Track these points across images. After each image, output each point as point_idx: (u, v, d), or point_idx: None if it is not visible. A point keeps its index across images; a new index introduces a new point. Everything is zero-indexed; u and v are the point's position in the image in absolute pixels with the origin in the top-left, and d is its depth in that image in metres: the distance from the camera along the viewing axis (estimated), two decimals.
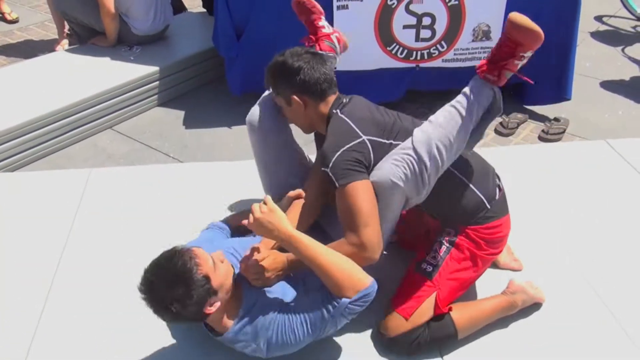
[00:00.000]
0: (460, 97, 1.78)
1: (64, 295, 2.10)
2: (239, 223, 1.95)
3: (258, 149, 2.18)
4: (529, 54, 1.70)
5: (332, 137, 1.81)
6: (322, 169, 1.77)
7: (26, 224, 2.46)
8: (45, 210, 2.55)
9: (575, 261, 2.23)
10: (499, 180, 2.02)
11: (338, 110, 1.88)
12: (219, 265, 1.62)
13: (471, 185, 1.91)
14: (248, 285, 1.75)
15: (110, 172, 2.89)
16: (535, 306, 2.03)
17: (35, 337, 1.93)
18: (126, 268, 2.20)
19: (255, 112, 2.13)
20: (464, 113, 1.75)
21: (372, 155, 1.79)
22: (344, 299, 1.58)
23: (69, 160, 3.15)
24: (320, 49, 2.23)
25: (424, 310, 1.84)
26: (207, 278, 1.56)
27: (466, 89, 1.78)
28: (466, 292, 2.02)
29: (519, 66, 1.73)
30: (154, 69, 3.62)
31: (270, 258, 1.73)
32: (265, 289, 1.75)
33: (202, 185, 2.71)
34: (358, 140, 1.78)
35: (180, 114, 3.60)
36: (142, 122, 3.52)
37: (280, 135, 2.14)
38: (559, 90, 3.46)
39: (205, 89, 3.89)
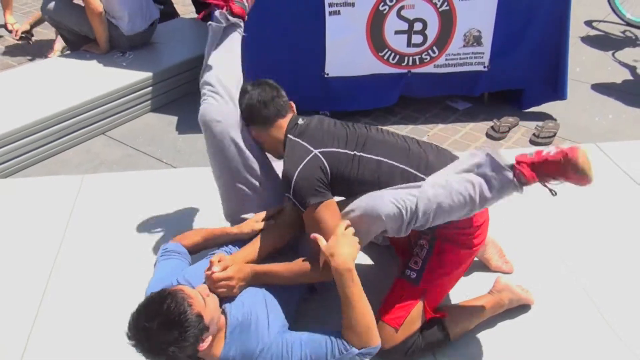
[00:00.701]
0: (480, 180, 1.65)
1: (57, 301, 2.10)
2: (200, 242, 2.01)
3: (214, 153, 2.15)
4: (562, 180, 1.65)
5: (287, 161, 1.86)
6: (286, 194, 1.82)
7: (19, 230, 2.46)
8: (38, 215, 2.55)
9: (566, 264, 2.25)
10: None
11: (291, 135, 1.92)
12: (207, 301, 1.62)
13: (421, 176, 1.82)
14: (226, 305, 1.73)
15: (104, 177, 2.89)
16: (525, 308, 2.05)
17: (29, 343, 1.93)
18: (120, 273, 2.21)
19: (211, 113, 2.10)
20: (477, 199, 1.65)
21: (328, 167, 1.81)
22: (353, 348, 1.61)
23: (63, 165, 3.15)
24: (234, 13, 2.16)
25: (414, 318, 1.83)
26: (200, 317, 1.55)
27: (494, 173, 1.64)
28: (455, 295, 2.04)
29: (548, 184, 1.69)
30: (146, 74, 3.63)
31: (235, 267, 1.74)
32: (243, 305, 1.73)
33: (195, 191, 2.72)
34: (310, 156, 1.82)
35: (173, 119, 3.61)
36: (135, 128, 3.52)
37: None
38: (555, 90, 3.50)
39: (198, 95, 3.85)
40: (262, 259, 1.87)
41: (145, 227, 2.46)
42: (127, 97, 3.53)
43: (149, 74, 3.64)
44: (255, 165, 2.04)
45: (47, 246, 2.36)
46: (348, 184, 1.83)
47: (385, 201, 1.68)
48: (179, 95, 3.84)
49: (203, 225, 2.36)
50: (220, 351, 1.65)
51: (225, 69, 2.12)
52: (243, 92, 2.04)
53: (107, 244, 2.37)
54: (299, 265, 1.80)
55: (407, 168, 1.82)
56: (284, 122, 1.98)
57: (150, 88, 3.66)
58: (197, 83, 3.86)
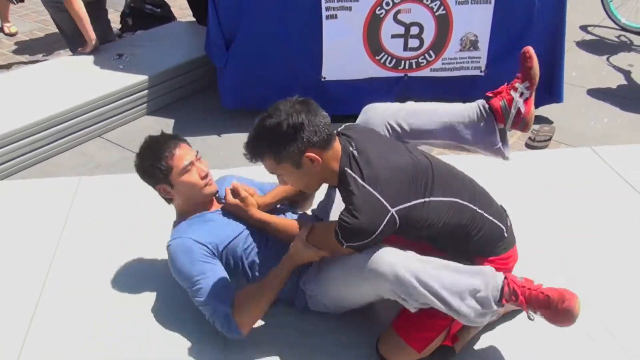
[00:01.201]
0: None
1: (54, 303, 2.09)
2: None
3: None
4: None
5: (362, 218, 1.60)
6: (339, 237, 1.64)
7: (16, 232, 2.45)
8: (34, 218, 2.54)
9: (561, 267, 2.26)
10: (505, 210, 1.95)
11: (356, 175, 1.65)
12: (191, 172, 1.91)
13: (487, 215, 1.80)
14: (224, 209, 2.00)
15: (100, 180, 2.88)
16: (519, 311, 2.04)
17: (25, 344, 1.92)
18: (116, 276, 2.20)
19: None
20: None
21: (398, 224, 1.64)
22: (227, 309, 1.78)
23: (58, 168, 3.14)
24: (490, 104, 1.96)
25: (435, 345, 1.78)
26: (168, 169, 1.88)
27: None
28: None
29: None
30: (143, 77, 3.63)
31: (253, 200, 1.95)
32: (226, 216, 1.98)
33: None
34: (388, 217, 1.61)
35: (170, 122, 3.60)
36: (131, 131, 3.52)
37: None
38: (551, 94, 3.51)
39: (194, 98, 3.90)
40: (286, 196, 2.07)
41: (142, 229, 2.45)
42: (123, 99, 3.53)
43: (146, 77, 3.63)
44: None
45: (44, 249, 2.34)
46: (413, 230, 1.72)
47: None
48: (175, 98, 3.84)
49: None
50: (180, 222, 1.97)
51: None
52: (290, 110, 1.64)
53: (104, 246, 2.36)
54: (290, 222, 1.95)
55: (476, 209, 1.78)
56: (337, 147, 1.70)
57: (147, 91, 3.65)
58: (193, 86, 3.90)
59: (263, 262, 1.93)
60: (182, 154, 1.91)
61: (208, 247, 1.86)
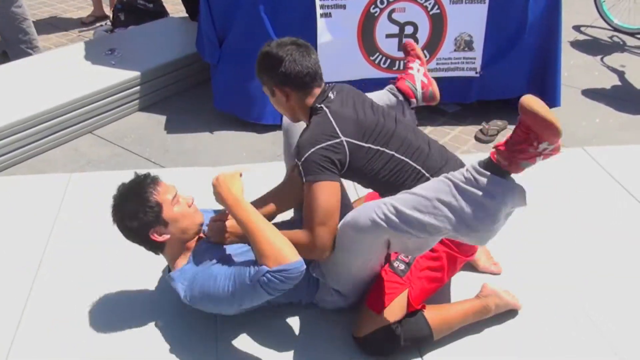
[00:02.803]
0: (465, 185, 1.59)
1: (43, 301, 2.07)
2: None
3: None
4: (546, 146, 1.51)
5: (311, 132, 1.81)
6: (295, 159, 1.80)
7: (5, 229, 2.43)
8: (24, 215, 2.52)
9: (553, 267, 2.27)
10: None
11: (323, 105, 1.86)
12: (180, 203, 1.82)
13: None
14: (206, 240, 1.89)
15: (91, 176, 2.87)
16: (512, 313, 2.05)
17: (14, 344, 1.90)
18: (106, 273, 2.19)
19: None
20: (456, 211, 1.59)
21: (348, 157, 1.80)
22: (263, 266, 1.61)
23: (49, 164, 3.12)
24: (398, 87, 2.26)
25: (396, 307, 1.84)
26: (159, 205, 1.76)
27: (473, 175, 1.58)
28: (441, 295, 2.04)
29: (537, 161, 1.56)
30: (135, 73, 3.60)
31: (234, 222, 1.84)
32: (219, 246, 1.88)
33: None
34: (336, 141, 1.79)
35: (162, 118, 3.59)
36: (123, 127, 3.50)
37: None
38: (548, 98, 3.52)
39: (186, 94, 3.89)
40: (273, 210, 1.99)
41: None
42: (115, 95, 3.50)
43: (138, 73, 3.61)
44: None
45: (33, 246, 2.33)
46: (362, 176, 1.87)
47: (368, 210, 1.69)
48: (167, 94, 3.82)
49: None
50: (182, 265, 1.84)
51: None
52: (283, 46, 1.87)
53: (94, 243, 2.34)
54: (289, 233, 1.77)
55: (421, 170, 1.87)
56: (317, 91, 1.91)
57: (139, 87, 3.63)
58: (185, 82, 3.88)
59: None
60: (165, 188, 1.82)
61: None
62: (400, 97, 2.25)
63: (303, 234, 1.75)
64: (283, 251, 1.62)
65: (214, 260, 1.80)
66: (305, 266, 1.64)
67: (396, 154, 1.87)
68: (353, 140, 1.81)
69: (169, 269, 1.91)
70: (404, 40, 2.33)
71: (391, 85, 2.29)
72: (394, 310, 1.84)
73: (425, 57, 3.36)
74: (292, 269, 1.60)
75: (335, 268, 1.87)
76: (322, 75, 1.94)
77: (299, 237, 1.74)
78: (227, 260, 1.81)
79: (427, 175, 1.87)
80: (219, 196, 1.78)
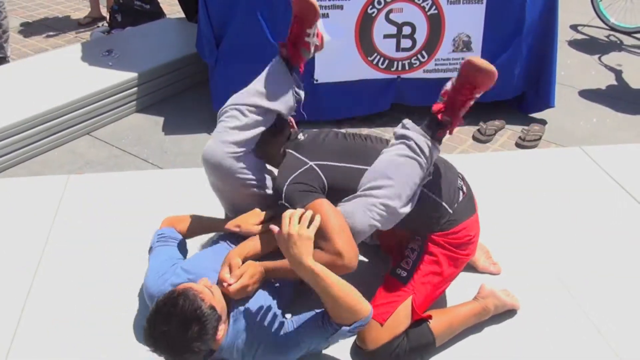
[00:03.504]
0: (406, 150, 1.81)
1: (41, 303, 2.07)
2: (220, 229, 2.00)
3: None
4: (480, 94, 1.80)
5: (281, 172, 1.87)
6: (279, 202, 1.81)
7: (3, 231, 2.43)
8: (22, 216, 2.52)
9: (552, 266, 2.27)
10: (463, 181, 2.02)
11: (288, 149, 1.93)
12: (213, 291, 1.68)
13: (432, 195, 1.91)
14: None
15: (89, 178, 2.86)
16: (511, 313, 2.05)
17: (13, 345, 1.90)
18: (105, 274, 2.19)
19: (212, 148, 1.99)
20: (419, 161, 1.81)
21: (324, 179, 1.83)
22: (343, 328, 1.61)
23: (46, 166, 3.11)
24: (290, 59, 2.09)
25: (401, 317, 1.83)
26: (213, 308, 1.61)
27: (410, 135, 1.81)
28: (442, 296, 2.04)
29: (468, 108, 1.82)
30: (132, 74, 3.60)
31: (249, 272, 1.75)
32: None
33: (182, 192, 2.70)
34: (305, 167, 1.83)
35: (160, 120, 3.58)
36: (120, 128, 3.49)
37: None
38: (544, 98, 3.53)
39: (184, 95, 3.88)
40: (264, 253, 1.86)
41: (131, 228, 2.44)
42: (112, 97, 3.49)
43: (135, 74, 3.60)
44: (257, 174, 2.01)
45: (31, 248, 2.32)
46: (346, 194, 1.83)
47: (358, 213, 1.75)
48: (165, 95, 3.82)
49: None
50: (223, 338, 1.68)
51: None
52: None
53: (92, 245, 2.34)
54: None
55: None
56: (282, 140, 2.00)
57: (136, 88, 3.62)
58: (183, 83, 3.88)
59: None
60: (204, 291, 1.65)
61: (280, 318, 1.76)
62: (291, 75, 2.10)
63: (325, 254, 1.69)
64: (356, 308, 1.62)
65: (262, 319, 1.73)
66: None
67: (356, 166, 1.89)
68: (324, 162, 1.86)
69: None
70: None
71: (277, 58, 2.12)
72: (399, 319, 1.82)
73: (424, 58, 3.38)
74: (367, 321, 1.66)
75: None
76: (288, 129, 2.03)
77: (325, 256, 1.69)
78: (274, 315, 1.75)
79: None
80: (291, 259, 1.60)
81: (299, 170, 1.83)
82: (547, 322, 2.02)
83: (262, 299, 1.79)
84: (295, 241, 1.57)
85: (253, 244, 1.86)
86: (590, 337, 1.97)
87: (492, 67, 1.74)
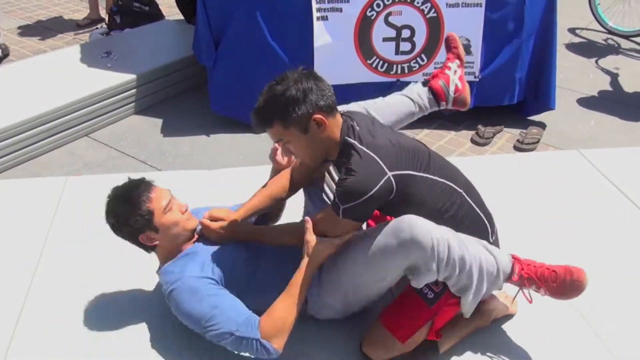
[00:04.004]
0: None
1: (40, 305, 2.07)
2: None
3: None
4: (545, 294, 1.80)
5: (358, 176, 1.64)
6: (335, 200, 1.68)
7: (1, 232, 2.42)
8: (20, 218, 2.51)
9: None
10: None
11: (356, 142, 1.71)
12: (173, 210, 1.83)
13: (475, 206, 1.84)
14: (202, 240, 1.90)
15: (87, 180, 2.86)
16: (508, 317, 2.05)
17: (10, 348, 1.90)
18: (103, 276, 2.19)
19: None
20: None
21: (395, 191, 1.67)
22: (258, 332, 1.66)
23: (45, 167, 3.11)
24: (431, 86, 2.21)
25: (419, 338, 1.79)
26: (150, 213, 1.78)
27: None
28: None
29: None
30: (131, 76, 3.60)
31: (224, 223, 1.86)
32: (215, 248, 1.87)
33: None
34: (384, 179, 1.64)
35: (158, 121, 3.58)
36: (119, 130, 3.49)
37: None
38: (543, 101, 3.53)
39: (183, 97, 3.88)
40: (262, 207, 1.96)
41: None
42: (111, 98, 3.50)
43: (134, 76, 3.61)
44: None
45: (30, 248, 2.32)
46: (404, 205, 1.73)
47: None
48: (164, 97, 3.82)
49: None
50: (167, 264, 1.85)
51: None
52: (296, 79, 1.68)
53: (90, 246, 2.34)
54: (287, 225, 1.91)
55: (466, 197, 1.82)
56: (339, 118, 1.76)
57: (135, 90, 3.63)
58: (182, 85, 3.88)
59: (271, 277, 1.86)
60: (159, 195, 1.82)
61: (212, 279, 1.76)
62: (426, 98, 2.21)
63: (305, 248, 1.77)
64: (283, 332, 1.69)
65: (206, 270, 1.78)
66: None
67: (439, 179, 1.77)
68: (399, 172, 1.68)
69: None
70: (447, 33, 2.26)
71: (418, 85, 2.24)
72: (417, 339, 1.78)
73: (423, 61, 3.38)
74: (270, 351, 1.67)
75: (338, 278, 1.80)
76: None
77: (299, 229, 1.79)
78: (218, 271, 1.80)
79: (467, 199, 1.82)
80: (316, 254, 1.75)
81: (380, 183, 1.64)
82: (545, 326, 2.02)
83: (225, 249, 1.86)
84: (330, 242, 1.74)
85: (251, 203, 1.96)
86: (589, 340, 1.97)
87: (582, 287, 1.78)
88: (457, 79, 2.21)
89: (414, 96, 2.21)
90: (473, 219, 1.84)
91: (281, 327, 1.68)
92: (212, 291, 1.73)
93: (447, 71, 2.22)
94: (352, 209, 1.66)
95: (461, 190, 1.81)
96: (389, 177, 1.65)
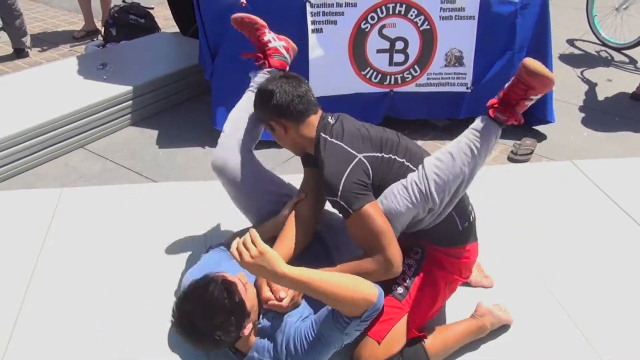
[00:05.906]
0: (471, 135, 1.82)
1: (34, 317, 2.06)
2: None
3: (231, 190, 2.13)
4: (538, 96, 1.78)
5: (331, 164, 1.79)
6: (331, 198, 1.77)
7: None
8: (15, 229, 2.51)
9: (543, 280, 2.28)
10: (471, 206, 2.03)
11: (327, 136, 1.85)
12: (247, 287, 1.67)
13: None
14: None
15: (82, 191, 2.86)
16: (505, 328, 2.06)
17: (7, 351, 1.90)
18: (97, 288, 2.19)
19: (217, 155, 2.10)
20: (475, 151, 1.79)
21: (371, 172, 1.80)
22: (354, 320, 1.58)
23: (40, 179, 3.11)
24: (271, 66, 2.21)
25: (397, 336, 1.81)
26: (243, 302, 1.61)
27: (477, 126, 1.82)
28: (437, 314, 2.04)
29: (527, 107, 1.80)
30: (126, 88, 3.61)
31: (290, 295, 1.75)
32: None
33: (176, 205, 2.71)
34: (355, 161, 1.79)
35: (154, 133, 3.59)
36: (114, 142, 3.49)
37: (249, 171, 2.08)
38: (542, 114, 3.56)
39: (178, 109, 3.89)
40: (296, 256, 1.89)
41: (124, 242, 2.44)
42: (107, 110, 3.50)
43: (129, 88, 3.62)
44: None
45: (25, 259, 2.32)
46: (383, 187, 1.84)
47: (397, 196, 1.77)
48: (159, 109, 3.83)
49: (184, 240, 2.36)
50: (254, 339, 1.70)
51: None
52: (272, 81, 1.92)
53: (85, 258, 2.34)
54: (356, 264, 1.76)
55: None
56: (315, 120, 1.91)
57: (131, 101, 3.63)
58: (177, 97, 3.89)
59: None
60: (238, 280, 1.67)
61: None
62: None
63: (375, 262, 1.74)
64: (362, 295, 1.56)
65: (290, 324, 1.70)
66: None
67: (406, 162, 1.87)
68: (369, 154, 1.82)
69: (233, 351, 1.76)
70: (235, 15, 2.24)
71: (261, 73, 2.22)
72: (396, 337, 1.81)
73: (416, 72, 3.41)
74: (378, 306, 1.60)
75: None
76: (317, 102, 1.94)
77: (371, 267, 1.73)
78: (299, 317, 1.74)
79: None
80: (265, 277, 1.61)
81: (352, 165, 1.78)
82: (540, 336, 2.03)
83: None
84: (257, 263, 1.47)
85: (285, 249, 1.88)
86: (581, 347, 1.98)
87: (543, 71, 1.70)
88: (279, 41, 2.29)
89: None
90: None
91: (355, 301, 1.56)
92: (304, 328, 1.67)
93: (270, 44, 2.25)
94: (347, 194, 1.73)
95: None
96: (359, 158, 1.80)
